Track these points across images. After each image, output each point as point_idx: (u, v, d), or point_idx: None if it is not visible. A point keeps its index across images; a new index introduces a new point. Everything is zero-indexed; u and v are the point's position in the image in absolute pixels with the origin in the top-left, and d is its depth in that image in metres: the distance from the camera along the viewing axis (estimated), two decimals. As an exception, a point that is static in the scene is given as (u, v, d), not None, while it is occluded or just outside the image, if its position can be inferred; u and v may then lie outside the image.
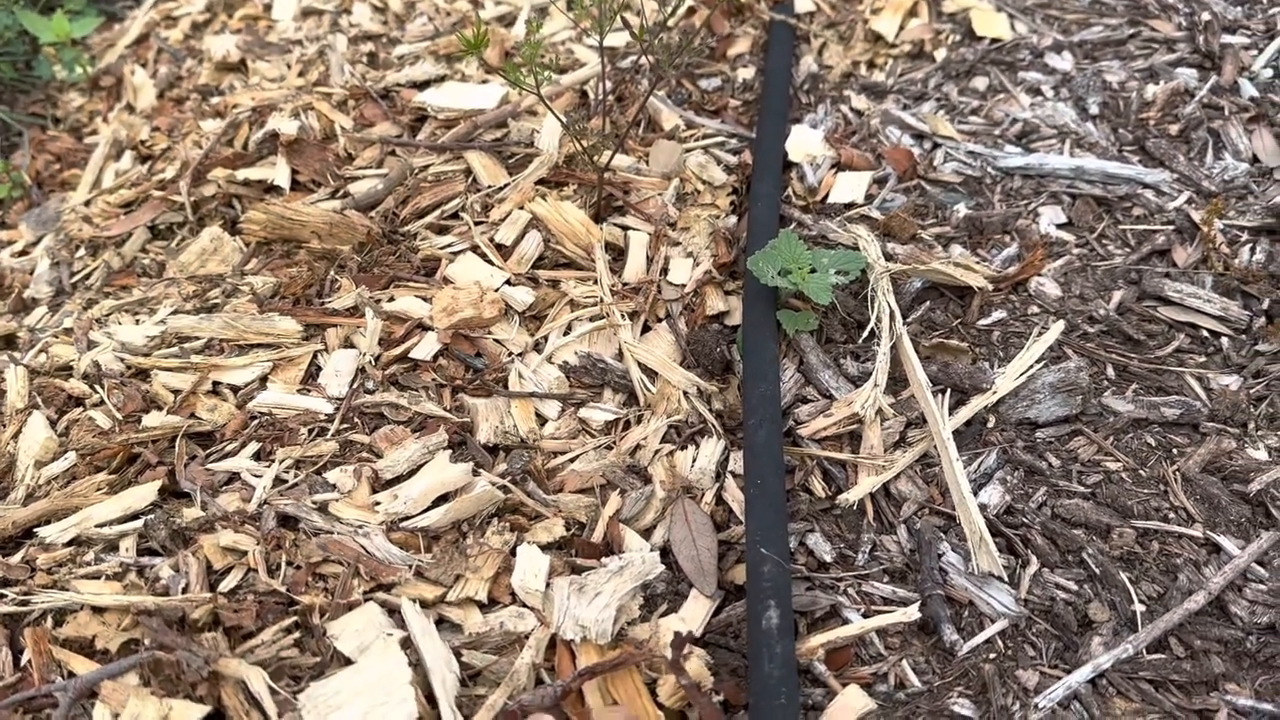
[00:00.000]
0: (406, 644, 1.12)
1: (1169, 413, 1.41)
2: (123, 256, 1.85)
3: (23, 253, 1.97)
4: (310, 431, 1.40)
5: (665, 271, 1.64)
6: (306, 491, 1.29)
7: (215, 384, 1.49)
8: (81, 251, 1.91)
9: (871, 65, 2.17)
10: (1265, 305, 1.58)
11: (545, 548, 1.25)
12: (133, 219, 1.88)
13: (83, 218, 1.93)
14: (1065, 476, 1.34)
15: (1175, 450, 1.38)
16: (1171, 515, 1.30)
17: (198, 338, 1.57)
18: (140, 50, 2.50)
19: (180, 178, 1.88)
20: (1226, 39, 2.12)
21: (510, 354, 1.51)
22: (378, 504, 1.27)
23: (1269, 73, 2.03)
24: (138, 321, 1.64)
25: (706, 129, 1.94)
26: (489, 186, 1.76)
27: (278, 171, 1.85)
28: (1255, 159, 1.86)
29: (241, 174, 1.85)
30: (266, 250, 1.76)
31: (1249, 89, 1.99)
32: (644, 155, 1.86)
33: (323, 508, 1.27)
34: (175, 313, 1.63)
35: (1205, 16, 2.16)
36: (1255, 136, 1.90)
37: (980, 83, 2.07)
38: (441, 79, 2.03)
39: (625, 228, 1.72)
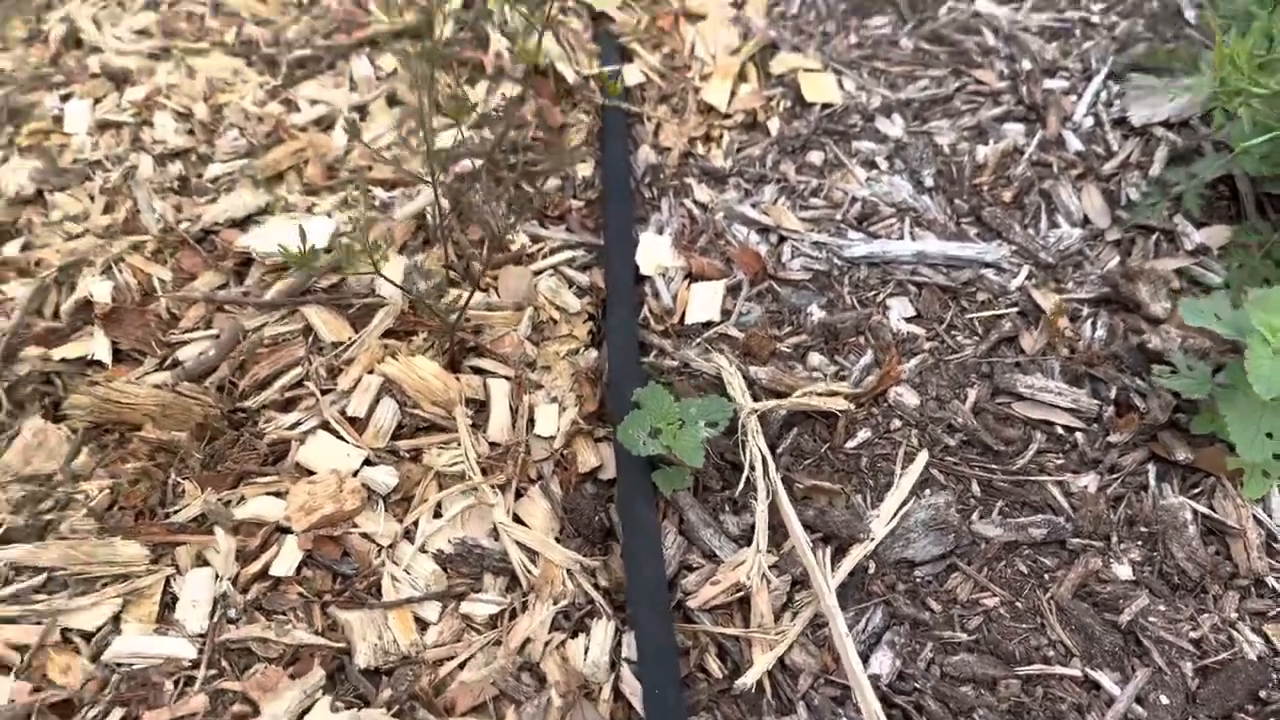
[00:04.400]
0: None
1: (1036, 533, 1.46)
2: (-68, 451, 1.69)
3: None
4: (176, 683, 1.31)
5: (532, 423, 1.59)
6: (182, 769, 1.22)
7: (64, 632, 1.37)
8: (-117, 447, 1.73)
9: (708, 140, 2.14)
10: (1113, 394, 1.63)
11: (446, 791, 1.21)
12: (-62, 413, 1.71)
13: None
14: (948, 624, 1.37)
15: (1047, 575, 1.42)
16: (1050, 653, 1.34)
17: (35, 568, 1.45)
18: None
19: (-13, 360, 1.72)
20: (1048, 84, 2.17)
21: (380, 548, 1.45)
22: (262, 775, 1.20)
23: (1090, 121, 2.09)
24: (-38, 548, 1.51)
25: (553, 241, 1.88)
26: (332, 344, 1.67)
27: (96, 344, 1.71)
28: (1087, 219, 1.92)
29: (57, 353, 1.70)
30: (98, 435, 1.63)
31: (1074, 141, 2.05)
32: (492, 280, 1.79)
33: (203, 790, 1.20)
34: (6, 533, 1.50)
35: (1026, 65, 2.20)
36: (1084, 195, 1.95)
37: (816, 157, 2.06)
38: (264, 210, 1.90)
39: (483, 372, 1.66)
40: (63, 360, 1.71)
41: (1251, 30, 1.62)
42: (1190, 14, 2.34)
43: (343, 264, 1.40)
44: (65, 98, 2.30)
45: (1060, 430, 1.60)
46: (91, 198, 2.03)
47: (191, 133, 2.15)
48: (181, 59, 2.30)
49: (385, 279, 1.49)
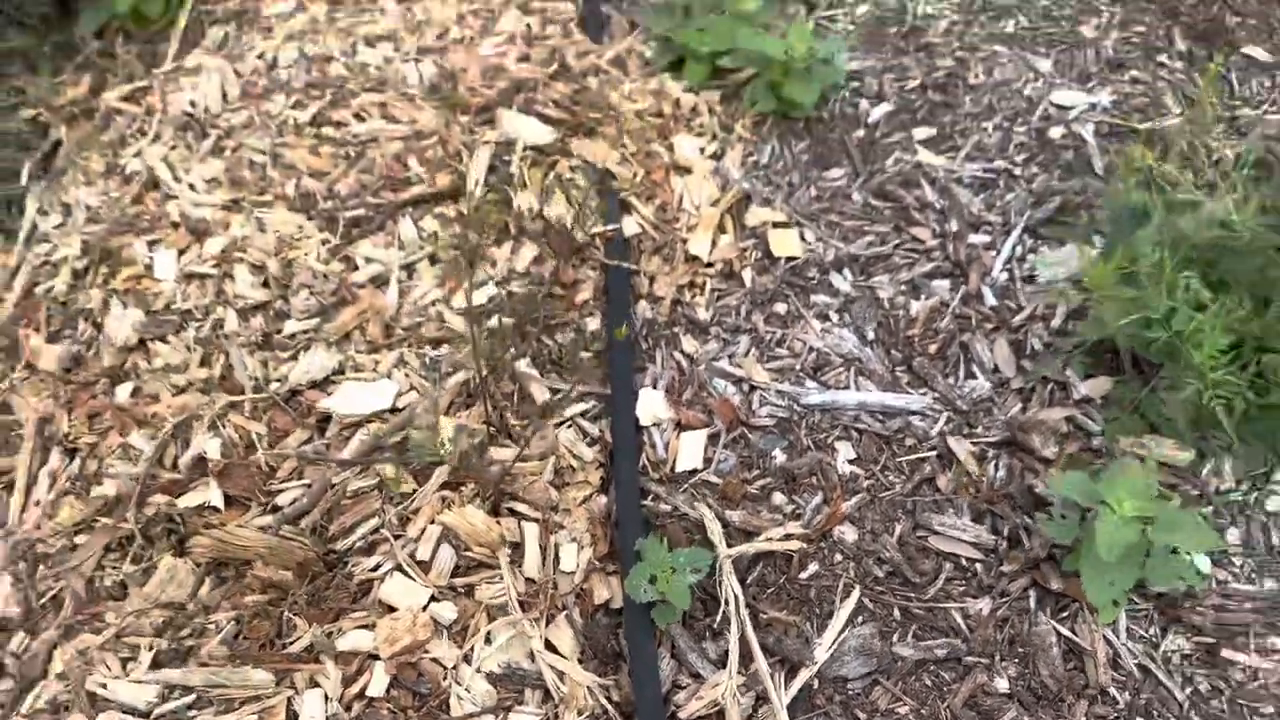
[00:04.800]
0: None
1: (940, 653, 1.94)
2: (82, 574, 2.16)
3: (-19, 569, 2.24)
4: (307, 789, 1.80)
5: (558, 560, 2.07)
6: None
7: (216, 744, 1.86)
8: (41, 569, 2.20)
9: (693, 287, 2.60)
10: (1006, 530, 2.12)
11: None
12: (88, 547, 2.18)
13: (34, 539, 2.21)
14: (871, 730, 1.86)
15: (945, 688, 1.91)
16: (944, 752, 1.84)
17: (185, 687, 1.92)
18: (28, 308, 2.70)
19: (125, 505, 2.18)
20: (973, 239, 2.63)
21: (446, 671, 1.93)
22: None
23: (1005, 276, 2.56)
24: (124, 665, 1.98)
25: (569, 393, 2.34)
26: (400, 495, 2.14)
27: (212, 493, 2.17)
28: (996, 369, 2.39)
29: (181, 501, 2.17)
30: (218, 569, 2.10)
31: (990, 297, 2.51)
32: (520, 428, 2.25)
33: None
34: (155, 657, 1.97)
35: (954, 224, 2.66)
36: (996, 346, 2.42)
37: (781, 308, 2.53)
38: (338, 370, 2.36)
39: (518, 515, 2.13)
40: (185, 506, 2.17)
41: (1114, 253, 2.09)
42: (1098, 164, 2.80)
43: (414, 456, 1.87)
44: (152, 244, 2.74)
45: (964, 561, 2.09)
46: (188, 348, 2.48)
47: (267, 285, 2.60)
48: (250, 212, 2.74)
49: (445, 462, 1.95)
